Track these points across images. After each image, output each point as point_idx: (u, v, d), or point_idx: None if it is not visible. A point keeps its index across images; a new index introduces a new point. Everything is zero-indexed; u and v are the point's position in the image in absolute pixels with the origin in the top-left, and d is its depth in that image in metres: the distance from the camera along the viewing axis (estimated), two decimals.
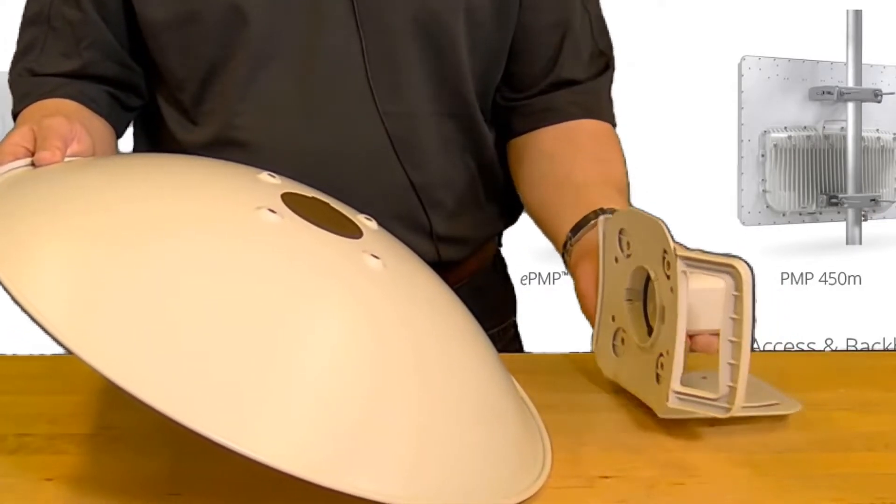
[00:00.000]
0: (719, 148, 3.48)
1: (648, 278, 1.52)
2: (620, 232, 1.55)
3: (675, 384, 1.45)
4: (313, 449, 1.21)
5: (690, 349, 1.47)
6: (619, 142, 1.91)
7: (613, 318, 1.58)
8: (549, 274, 3.17)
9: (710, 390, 1.44)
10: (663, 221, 1.47)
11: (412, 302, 1.41)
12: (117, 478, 1.44)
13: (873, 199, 3.56)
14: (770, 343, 3.51)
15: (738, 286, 1.39)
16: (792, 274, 3.57)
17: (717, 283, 1.42)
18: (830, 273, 3.58)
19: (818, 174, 3.55)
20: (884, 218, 3.56)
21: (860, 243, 3.56)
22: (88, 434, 1.53)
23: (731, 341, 1.41)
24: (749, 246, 3.52)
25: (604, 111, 1.92)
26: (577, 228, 1.74)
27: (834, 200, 3.56)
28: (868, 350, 3.51)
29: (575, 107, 1.84)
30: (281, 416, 1.21)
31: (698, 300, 1.44)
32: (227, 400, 1.20)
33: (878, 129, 3.54)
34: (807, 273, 3.58)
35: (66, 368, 1.72)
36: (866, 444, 1.55)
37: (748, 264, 1.40)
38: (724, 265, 1.41)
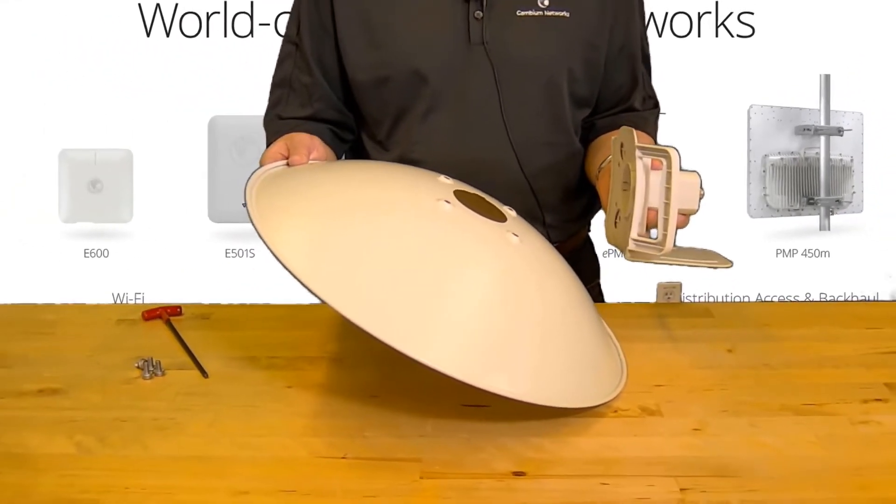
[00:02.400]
0: (735, 166, 3.44)
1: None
2: (621, 145, 1.54)
3: (633, 233, 1.47)
4: (467, 358, 1.21)
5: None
6: None
7: (616, 204, 1.57)
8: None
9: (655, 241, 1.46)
10: (634, 129, 1.49)
11: (538, 263, 1.41)
12: (336, 385, 1.44)
13: (837, 200, 3.50)
14: (769, 296, 3.47)
15: (669, 164, 1.41)
16: (783, 250, 3.52)
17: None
18: (809, 249, 3.53)
19: (801, 183, 3.50)
20: (844, 213, 3.51)
21: (829, 230, 3.52)
22: (316, 356, 1.53)
23: (665, 203, 1.42)
24: (754, 232, 3.48)
25: (648, 129, 1.90)
26: (601, 162, 1.74)
27: (811, 201, 3.51)
28: (834, 300, 3.46)
29: (629, 122, 1.83)
30: (447, 334, 1.22)
31: (655, 186, 1.45)
32: (411, 323, 1.21)
33: (840, 154, 3.49)
34: (793, 249, 3.52)
35: (302, 313, 1.72)
36: (833, 364, 1.52)
37: (678, 152, 1.41)
38: (662, 150, 1.42)
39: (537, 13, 1.77)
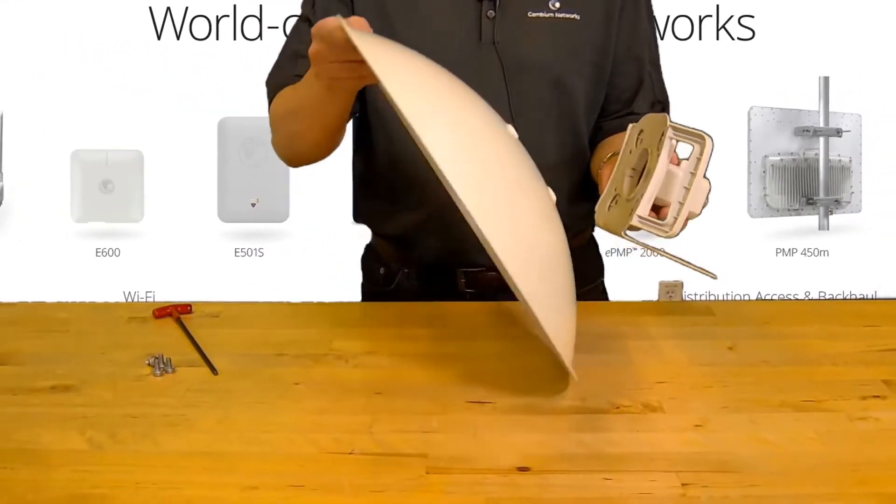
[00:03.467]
0: (736, 166, 3.44)
1: (647, 162, 1.49)
2: (640, 131, 1.52)
3: (641, 211, 1.43)
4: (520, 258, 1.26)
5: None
6: None
7: (615, 189, 1.54)
8: (623, 249, 3.15)
9: (664, 223, 1.44)
10: (668, 116, 1.46)
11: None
12: (342, 382, 1.45)
13: (836, 200, 3.50)
14: (769, 295, 3.48)
15: (702, 151, 1.39)
16: (783, 249, 3.52)
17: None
18: (808, 249, 3.53)
19: (800, 183, 3.50)
20: (843, 213, 3.51)
21: (828, 229, 3.52)
22: (323, 354, 1.53)
23: (685, 188, 1.41)
24: (754, 231, 3.49)
25: None
26: (607, 157, 1.70)
27: (811, 201, 3.51)
28: (833, 299, 3.46)
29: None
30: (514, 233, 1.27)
31: (670, 180, 1.43)
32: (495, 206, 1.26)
33: (839, 155, 3.49)
34: (792, 248, 3.53)
35: (309, 311, 1.73)
36: (831, 361, 1.52)
37: (712, 140, 1.40)
38: (697, 135, 1.41)
39: (548, 15, 1.77)
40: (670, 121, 1.43)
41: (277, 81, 1.79)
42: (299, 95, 1.65)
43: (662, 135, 1.43)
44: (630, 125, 1.57)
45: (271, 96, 1.80)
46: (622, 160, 1.56)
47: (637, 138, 1.53)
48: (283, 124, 1.74)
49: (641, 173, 1.49)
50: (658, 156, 1.43)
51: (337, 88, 1.52)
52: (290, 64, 1.82)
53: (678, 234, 1.42)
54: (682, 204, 1.41)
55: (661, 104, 1.92)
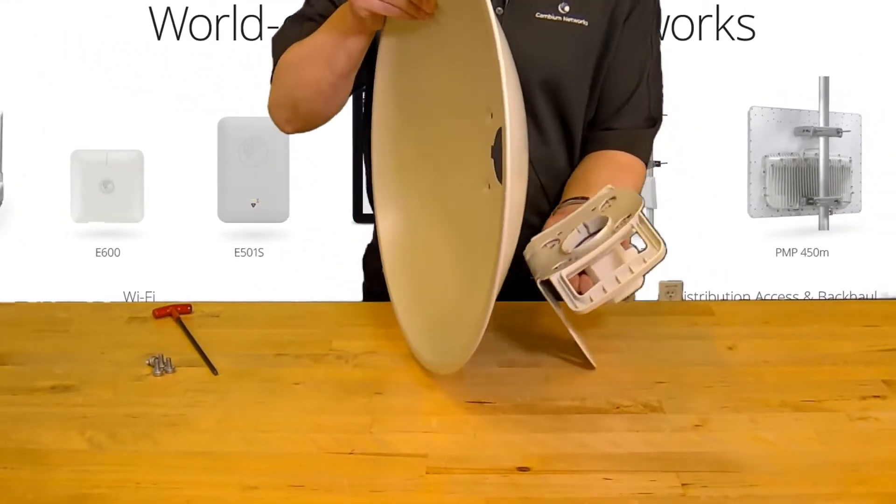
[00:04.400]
0: (735, 166, 3.44)
1: (600, 228, 1.41)
2: (612, 198, 1.47)
3: (565, 271, 1.37)
4: None
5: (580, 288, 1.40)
6: (640, 174, 1.86)
7: (560, 234, 1.47)
8: None
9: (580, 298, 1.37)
10: (643, 199, 1.42)
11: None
12: (342, 382, 1.45)
13: (836, 200, 3.50)
14: (769, 295, 3.47)
15: (652, 256, 1.35)
16: (783, 249, 3.52)
17: (631, 260, 1.38)
18: (808, 248, 3.53)
19: (800, 183, 3.50)
20: (843, 212, 3.51)
21: (828, 229, 3.52)
22: (323, 353, 1.54)
23: (618, 280, 1.35)
24: (754, 231, 3.48)
25: (640, 150, 1.86)
26: (565, 202, 1.71)
27: (811, 201, 3.51)
28: (833, 299, 3.46)
29: (619, 142, 1.80)
30: None
31: (612, 264, 1.39)
32: None
33: (839, 155, 3.49)
34: (792, 248, 3.52)
35: (309, 311, 1.73)
36: (831, 361, 1.52)
37: (666, 252, 1.35)
38: (657, 239, 1.36)
39: (556, 18, 1.75)
40: (642, 210, 1.39)
41: (285, 42, 1.76)
42: (320, 34, 1.64)
43: (629, 216, 1.39)
44: (608, 186, 1.53)
45: (279, 52, 1.77)
46: (581, 212, 1.51)
47: (607, 202, 1.48)
48: (293, 71, 1.70)
49: (590, 235, 1.45)
50: (613, 232, 1.37)
51: (368, 20, 1.51)
52: (298, 26, 1.79)
53: (583, 313, 1.37)
54: (605, 293, 1.36)
55: (653, 120, 1.89)
